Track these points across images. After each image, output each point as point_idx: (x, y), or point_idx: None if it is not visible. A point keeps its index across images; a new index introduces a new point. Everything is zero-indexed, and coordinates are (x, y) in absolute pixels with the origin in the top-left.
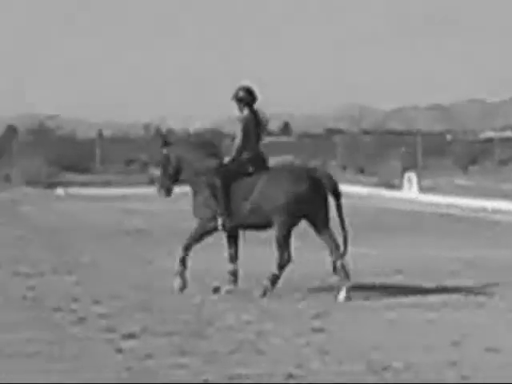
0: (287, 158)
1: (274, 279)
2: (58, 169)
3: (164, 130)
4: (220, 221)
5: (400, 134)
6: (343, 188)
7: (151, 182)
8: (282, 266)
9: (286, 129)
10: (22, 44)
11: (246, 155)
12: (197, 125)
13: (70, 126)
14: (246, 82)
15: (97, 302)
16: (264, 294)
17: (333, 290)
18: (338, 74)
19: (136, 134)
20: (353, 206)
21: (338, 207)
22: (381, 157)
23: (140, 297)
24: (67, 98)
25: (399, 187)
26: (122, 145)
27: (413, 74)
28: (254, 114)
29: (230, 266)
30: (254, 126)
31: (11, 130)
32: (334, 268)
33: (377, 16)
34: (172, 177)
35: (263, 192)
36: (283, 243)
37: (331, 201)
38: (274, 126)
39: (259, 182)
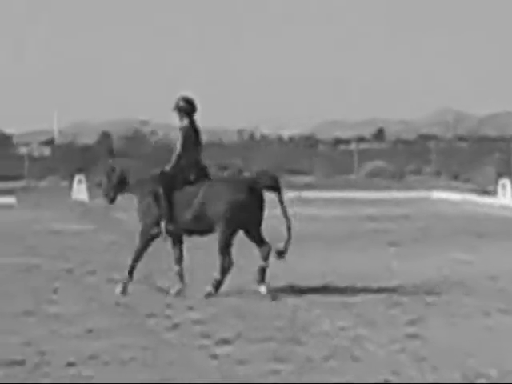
0: (379, 164)
1: (218, 284)
2: None
3: (258, 135)
4: (162, 225)
5: (494, 140)
6: (437, 194)
7: None
8: (224, 271)
9: (379, 135)
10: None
11: (185, 163)
12: (290, 131)
13: (163, 131)
14: (187, 93)
15: (191, 308)
16: (207, 296)
17: (428, 295)
18: (431, 80)
19: (229, 139)
20: (446, 213)
21: (281, 202)
22: (475, 163)
23: (234, 303)
24: (160, 103)
25: (493, 193)
26: (215, 150)
27: (508, 79)
28: (193, 123)
29: (176, 268)
30: (193, 135)
31: (105, 136)
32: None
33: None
34: (115, 186)
35: (205, 200)
36: (224, 250)
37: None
38: (366, 132)
39: (201, 190)
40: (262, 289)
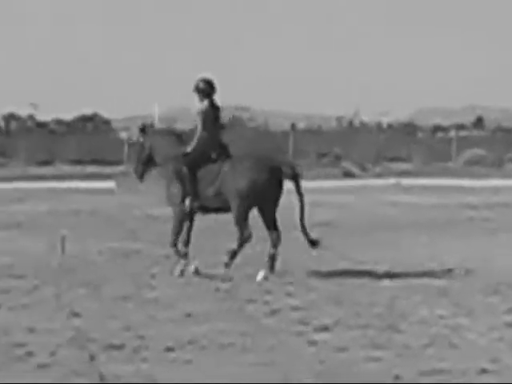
0: (478, 152)
1: (233, 254)
2: None
3: (357, 122)
4: (187, 202)
5: None
6: None
7: (344, 175)
8: (241, 243)
9: (479, 123)
10: (216, 37)
11: (206, 142)
12: (390, 118)
13: (262, 118)
14: (207, 74)
15: (290, 295)
16: (226, 266)
17: None
18: None
19: (328, 126)
20: None
21: (299, 192)
22: None
23: (332, 289)
24: (259, 89)
25: None
26: (314, 137)
27: None
28: (213, 104)
29: (184, 249)
30: (213, 116)
31: None
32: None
33: None
34: (144, 163)
35: (226, 178)
36: (242, 222)
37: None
38: (465, 119)
39: (223, 168)
40: (260, 275)
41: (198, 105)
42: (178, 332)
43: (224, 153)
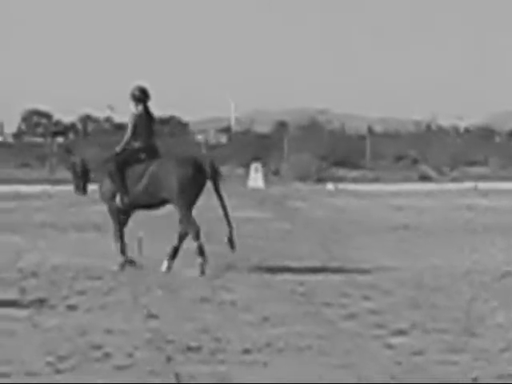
0: None
1: (200, 249)
2: (327, 164)
3: (434, 126)
4: (118, 198)
5: None
6: None
7: (421, 178)
8: (197, 236)
9: None
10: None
11: (137, 145)
12: (465, 122)
13: (340, 121)
14: (141, 82)
15: (366, 298)
16: (202, 270)
17: None
18: None
19: (406, 130)
20: None
21: (216, 189)
22: None
23: (409, 293)
24: (338, 92)
25: None
26: (392, 141)
27: None
28: (147, 110)
29: (118, 245)
30: (146, 120)
31: (282, 125)
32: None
33: None
34: (81, 177)
35: (154, 175)
36: (188, 218)
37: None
38: None
39: (150, 167)
40: (164, 265)
41: (133, 110)
42: (255, 334)
43: (153, 155)
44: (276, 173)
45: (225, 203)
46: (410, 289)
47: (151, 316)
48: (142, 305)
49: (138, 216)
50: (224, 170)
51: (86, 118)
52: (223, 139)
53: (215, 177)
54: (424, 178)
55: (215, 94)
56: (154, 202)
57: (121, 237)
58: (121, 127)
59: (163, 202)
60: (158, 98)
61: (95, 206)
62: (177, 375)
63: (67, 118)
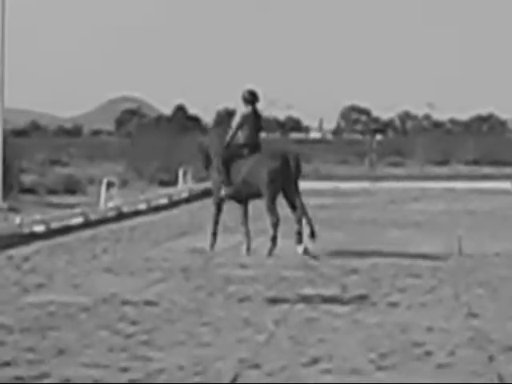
0: None
1: (274, 238)
2: None
3: None
4: (223, 190)
5: None
6: None
7: None
8: (274, 226)
9: None
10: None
11: (242, 142)
12: None
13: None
14: (251, 86)
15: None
16: (270, 252)
17: None
18: None
19: None
20: None
21: (295, 181)
22: None
23: None
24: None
25: None
26: None
27: None
28: (255, 111)
29: (243, 228)
30: (253, 120)
31: None
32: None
33: None
34: (205, 161)
35: (250, 168)
36: (271, 208)
37: None
38: None
39: (249, 161)
40: (299, 249)
41: (243, 109)
42: None
43: (255, 150)
44: None
45: (300, 196)
46: None
47: (472, 315)
48: (463, 303)
49: (457, 213)
50: None
51: (405, 116)
52: None
53: (296, 170)
54: None
55: None
56: (253, 193)
57: (216, 222)
58: (439, 125)
59: (259, 195)
60: (477, 95)
61: (416, 204)
62: (500, 376)
63: (386, 115)
